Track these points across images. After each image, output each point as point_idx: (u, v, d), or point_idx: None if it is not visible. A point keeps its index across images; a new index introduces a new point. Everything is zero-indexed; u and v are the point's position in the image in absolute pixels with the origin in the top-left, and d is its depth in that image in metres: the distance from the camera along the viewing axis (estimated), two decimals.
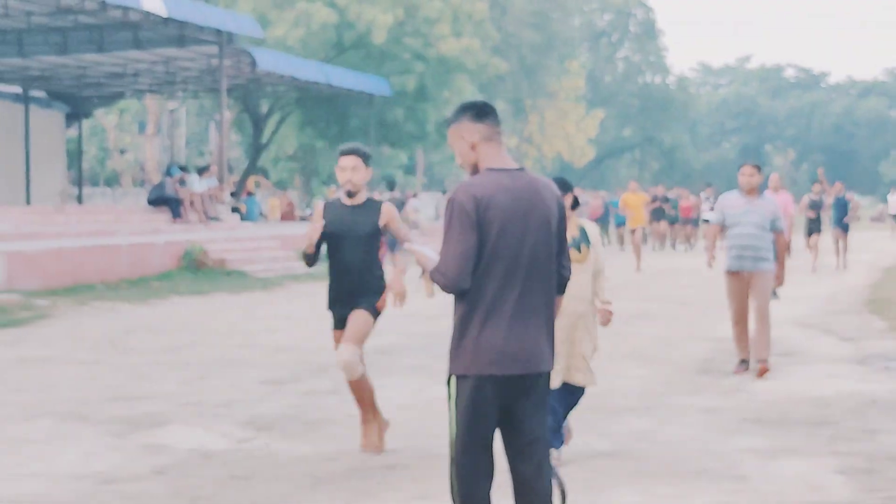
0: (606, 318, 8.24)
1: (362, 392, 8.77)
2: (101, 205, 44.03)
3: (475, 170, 5.57)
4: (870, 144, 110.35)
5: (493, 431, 5.45)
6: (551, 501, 5.52)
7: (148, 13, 27.59)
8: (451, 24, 43.21)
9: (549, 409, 7.22)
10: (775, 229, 11.42)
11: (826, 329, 16.83)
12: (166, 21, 28.92)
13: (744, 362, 11.64)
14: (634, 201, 32.65)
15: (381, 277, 9.15)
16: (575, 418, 8.43)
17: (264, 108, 44.92)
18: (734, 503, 7.56)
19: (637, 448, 8.92)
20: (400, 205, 27.53)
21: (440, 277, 5.40)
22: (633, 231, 31.63)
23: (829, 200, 29.58)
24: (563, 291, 5.79)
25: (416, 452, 8.87)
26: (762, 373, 11.51)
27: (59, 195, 40.21)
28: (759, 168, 11.55)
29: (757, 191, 11.52)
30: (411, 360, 13.81)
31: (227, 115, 38.32)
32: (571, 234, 7.76)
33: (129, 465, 8.44)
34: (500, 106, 61.57)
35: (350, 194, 8.66)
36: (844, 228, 29.25)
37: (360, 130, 43.49)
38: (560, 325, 7.36)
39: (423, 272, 5.90)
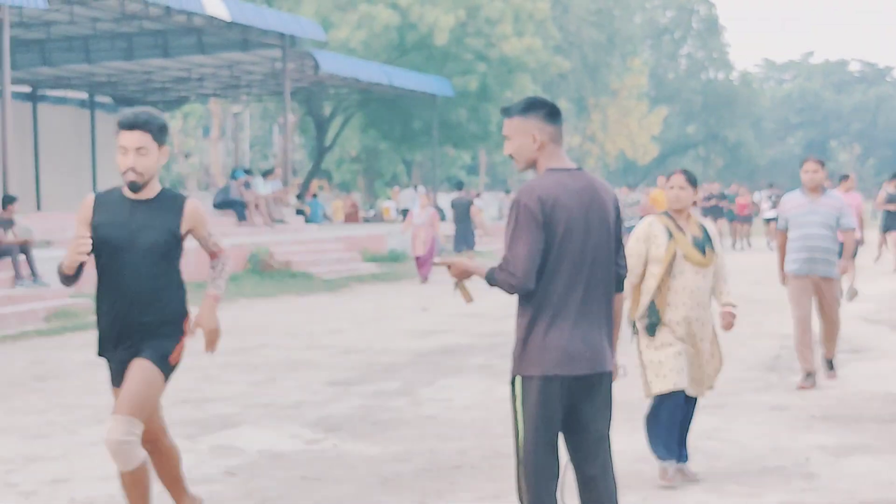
0: (729, 322, 8.06)
1: (142, 488, 5.92)
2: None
3: (529, 166, 5.56)
4: None
5: (559, 432, 5.45)
6: (616, 500, 5.51)
7: (211, 18, 27.79)
8: (512, 24, 43.23)
9: (671, 422, 7.69)
10: (843, 227, 10.62)
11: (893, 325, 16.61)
12: (230, 25, 29.12)
13: (810, 376, 10.68)
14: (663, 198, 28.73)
15: (179, 310, 6.64)
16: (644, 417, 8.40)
17: (327, 110, 45.38)
18: (804, 501, 7.51)
19: (706, 446, 8.87)
20: (467, 205, 27.50)
21: (507, 277, 5.34)
22: None
23: None
24: (622, 289, 5.76)
25: (483, 453, 8.86)
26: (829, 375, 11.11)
27: None
28: (822, 164, 10.83)
29: (821, 188, 10.70)
30: (477, 360, 13.81)
31: (291, 117, 38.59)
32: (693, 234, 7.58)
33: (201, 466, 8.49)
34: (563, 104, 61.65)
35: (134, 187, 5.95)
36: None
37: (422, 131, 43.99)
38: (682, 333, 7.62)
39: (459, 281, 5.82)
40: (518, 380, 5.41)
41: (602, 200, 5.51)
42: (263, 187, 31.57)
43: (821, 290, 10.73)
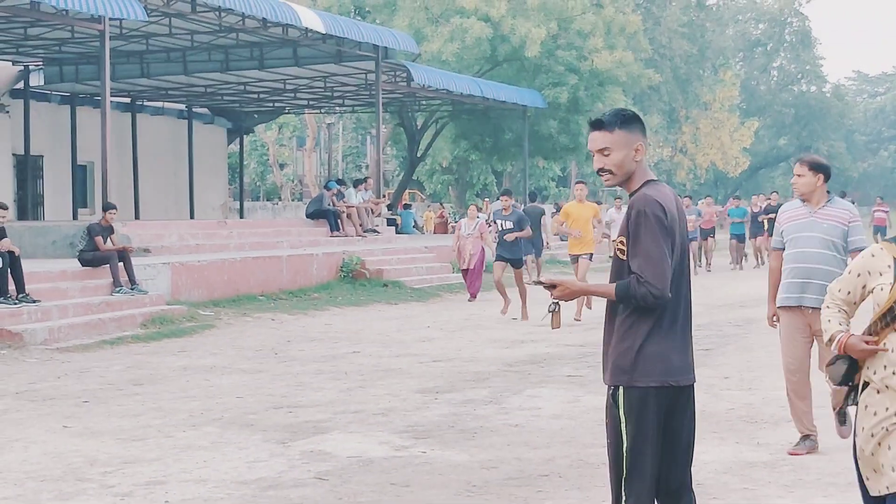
0: None
1: None
2: (262, 218, 45.14)
3: (625, 180, 5.47)
4: None
5: (658, 442, 5.43)
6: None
7: (307, 30, 28.13)
8: (604, 36, 43.34)
9: None
10: (851, 247, 8.25)
11: None
12: (324, 37, 29.47)
13: (806, 439, 8.41)
14: (578, 211, 20.26)
15: None
16: (731, 428, 8.30)
17: (419, 121, 45.69)
18: None
19: (794, 458, 8.75)
20: (539, 214, 27.68)
21: (650, 289, 5.25)
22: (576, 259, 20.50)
23: None
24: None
25: (570, 461, 8.85)
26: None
27: (221, 209, 41.31)
28: (815, 165, 8.44)
29: (823, 196, 8.42)
30: (565, 370, 13.80)
31: (383, 129, 38.86)
32: None
33: (292, 471, 8.60)
34: (654, 117, 61.45)
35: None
36: None
37: (513, 143, 44.19)
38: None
39: (557, 306, 5.77)
40: (625, 390, 5.39)
41: (682, 212, 5.56)
42: (356, 197, 31.86)
43: (817, 328, 7.71)
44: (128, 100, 37.98)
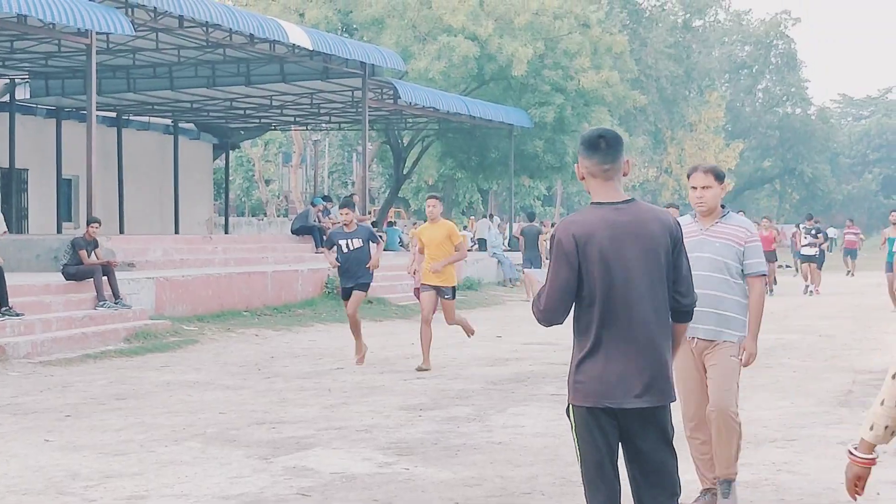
0: None
1: None
2: (247, 234, 45.44)
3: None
4: None
5: (609, 460, 5.41)
6: None
7: (294, 46, 28.29)
8: (590, 57, 43.50)
9: None
10: (748, 271, 7.23)
11: None
12: (311, 54, 29.63)
13: (707, 493, 7.37)
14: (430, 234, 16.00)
15: None
16: None
17: (406, 139, 46.00)
18: None
19: (776, 478, 8.78)
20: (536, 233, 28.06)
21: (536, 312, 5.48)
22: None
23: None
24: (684, 320, 5.66)
25: (553, 479, 8.83)
26: None
27: (207, 224, 41.38)
28: (721, 175, 7.45)
29: (717, 211, 7.27)
30: (549, 388, 13.78)
31: (370, 146, 38.89)
32: None
33: (274, 486, 8.59)
34: (640, 138, 61.71)
35: None
36: None
37: (499, 161, 44.49)
38: None
39: None
40: (572, 408, 5.45)
41: (649, 231, 5.45)
42: (338, 212, 31.63)
43: (709, 359, 7.20)
44: (114, 114, 38.19)
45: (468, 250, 24.34)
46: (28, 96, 35.37)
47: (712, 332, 7.10)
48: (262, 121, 43.80)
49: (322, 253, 28.95)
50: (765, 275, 7.35)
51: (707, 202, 7.09)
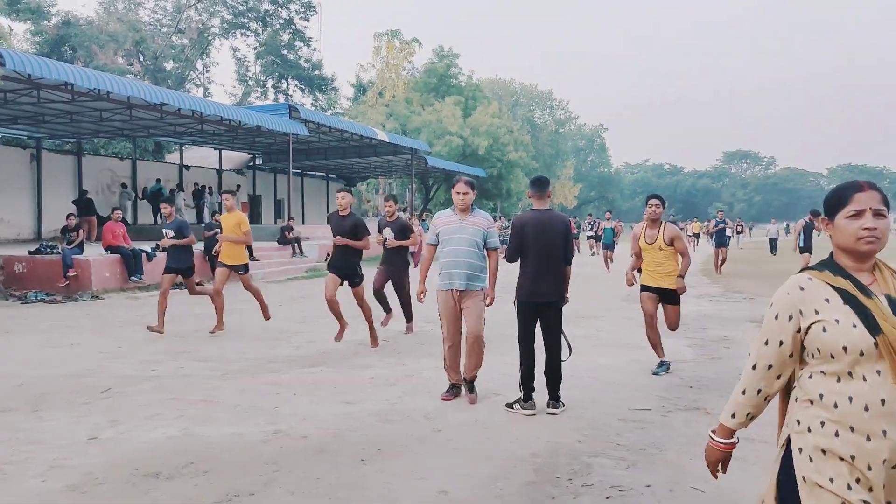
0: None
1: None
2: None
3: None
4: None
5: (531, 328, 5.50)
6: (560, 365, 5.56)
7: (380, 140, 29.74)
8: (513, 144, 45.66)
9: None
10: (489, 247, 5.99)
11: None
12: (387, 143, 30.68)
13: (454, 387, 6.04)
14: (226, 221, 9.85)
15: None
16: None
17: (430, 182, 47.13)
18: (639, 359, 7.57)
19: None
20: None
21: (504, 256, 5.70)
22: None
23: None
24: (568, 265, 5.59)
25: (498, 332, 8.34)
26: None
27: None
28: (472, 185, 6.03)
29: (469, 208, 6.05)
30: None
31: (413, 185, 40.34)
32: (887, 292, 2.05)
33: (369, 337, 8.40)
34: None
35: None
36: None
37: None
38: (873, 480, 1.97)
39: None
40: (515, 301, 5.53)
41: (555, 225, 5.48)
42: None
43: (461, 302, 5.92)
44: (299, 170, 37.78)
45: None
46: (261, 162, 35.16)
47: (465, 285, 5.79)
48: (366, 174, 43.69)
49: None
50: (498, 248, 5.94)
51: (467, 202, 5.83)
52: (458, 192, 5.81)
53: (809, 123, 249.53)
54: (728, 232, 21.88)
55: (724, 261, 20.92)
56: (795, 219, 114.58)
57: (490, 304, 5.81)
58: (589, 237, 32.02)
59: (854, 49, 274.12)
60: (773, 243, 30.19)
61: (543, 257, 5.39)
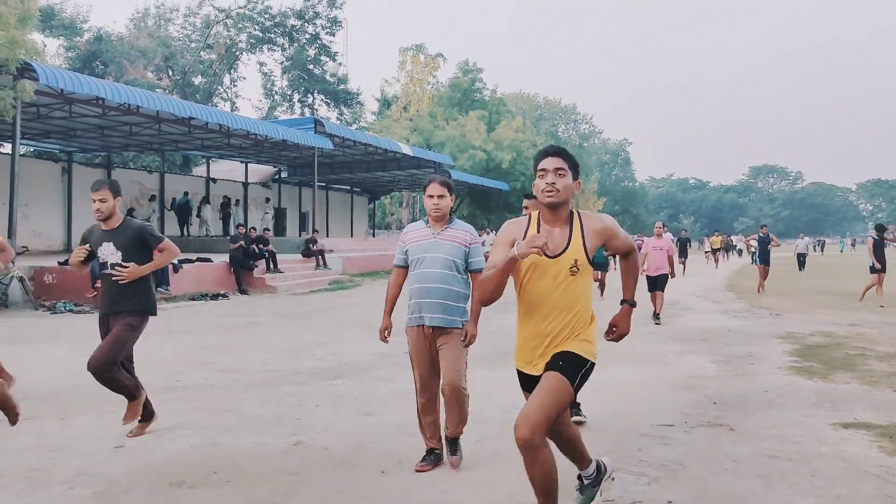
0: None
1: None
2: (382, 237, 44.49)
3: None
4: None
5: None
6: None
7: (404, 154, 30.44)
8: None
9: None
10: (473, 268, 4.62)
11: (706, 298, 17.12)
12: (412, 157, 31.79)
13: (431, 453, 4.65)
14: None
15: None
16: None
17: (454, 195, 48.63)
18: (662, 374, 7.40)
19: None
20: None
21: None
22: None
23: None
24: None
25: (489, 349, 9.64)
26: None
27: (364, 233, 42.76)
28: (449, 188, 4.73)
29: (445, 219, 4.70)
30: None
31: None
32: None
33: (395, 348, 8.37)
34: None
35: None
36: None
37: (496, 206, 46.83)
38: None
39: None
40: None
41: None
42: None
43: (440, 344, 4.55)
44: (324, 184, 38.59)
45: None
46: (286, 176, 35.65)
47: (440, 320, 4.46)
48: (391, 188, 44.47)
49: None
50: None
51: (443, 208, 4.58)
52: (431, 196, 4.53)
53: (838, 138, 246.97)
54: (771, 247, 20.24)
55: (762, 278, 18.97)
56: (823, 234, 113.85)
57: (469, 343, 4.43)
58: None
59: (881, 64, 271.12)
60: (801, 259, 29.66)
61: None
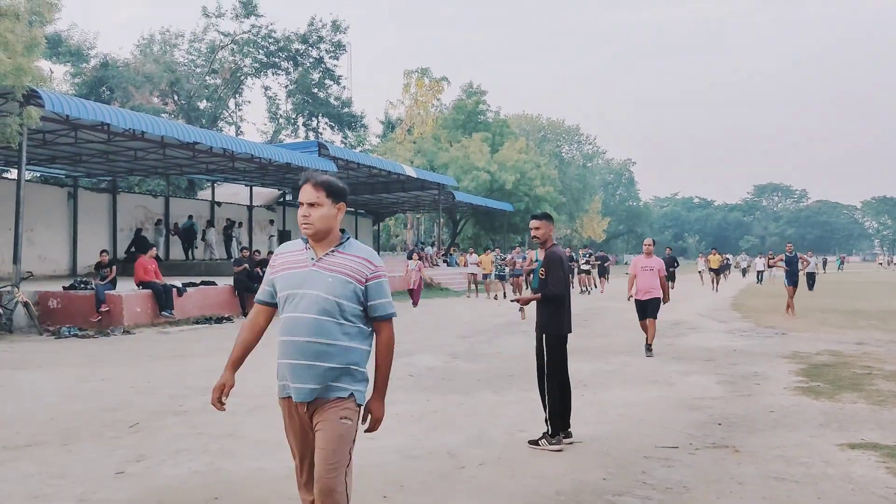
0: None
1: None
2: (388, 258, 45.36)
3: (546, 243, 5.50)
4: None
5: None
6: None
7: (408, 175, 30.32)
8: (540, 179, 46.25)
9: None
10: (375, 315, 3.04)
11: (711, 317, 16.97)
12: (415, 179, 31.43)
13: None
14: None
15: None
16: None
17: (458, 216, 47.99)
18: (668, 395, 7.54)
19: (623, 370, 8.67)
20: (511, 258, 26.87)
21: (556, 290, 5.40)
22: None
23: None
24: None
25: (523, 366, 8.82)
26: None
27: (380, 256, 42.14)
28: (329, 191, 3.05)
29: (333, 237, 3.09)
30: (522, 328, 13.38)
31: (441, 220, 40.96)
32: None
33: (397, 371, 8.59)
34: (562, 216, 66.27)
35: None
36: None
37: (500, 227, 47.01)
38: None
39: (522, 307, 6.15)
40: (555, 336, 5.42)
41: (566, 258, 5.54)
42: (430, 250, 34.15)
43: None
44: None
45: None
46: (290, 198, 35.13)
47: (310, 393, 3.02)
48: (394, 209, 44.28)
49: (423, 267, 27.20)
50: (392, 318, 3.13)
51: (314, 224, 3.02)
52: (301, 204, 3.01)
53: (842, 155, 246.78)
54: (799, 267, 19.16)
55: (791, 298, 17.56)
56: (829, 252, 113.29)
57: (372, 429, 3.03)
58: (581, 271, 28.71)
59: (886, 82, 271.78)
60: (810, 278, 28.45)
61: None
